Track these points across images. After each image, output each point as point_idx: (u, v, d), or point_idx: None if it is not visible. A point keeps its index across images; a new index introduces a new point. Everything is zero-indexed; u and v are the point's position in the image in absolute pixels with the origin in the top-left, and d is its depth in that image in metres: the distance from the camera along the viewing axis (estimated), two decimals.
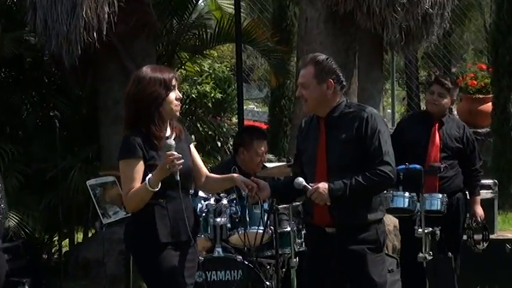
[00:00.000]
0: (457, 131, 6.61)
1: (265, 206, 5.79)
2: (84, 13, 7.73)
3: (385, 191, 5.28)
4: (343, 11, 7.99)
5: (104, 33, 7.83)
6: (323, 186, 4.57)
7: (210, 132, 10.27)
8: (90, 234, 9.21)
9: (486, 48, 17.60)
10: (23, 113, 9.06)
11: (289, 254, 6.15)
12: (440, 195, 6.36)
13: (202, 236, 5.99)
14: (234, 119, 11.51)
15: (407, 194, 6.20)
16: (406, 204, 6.21)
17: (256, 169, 6.27)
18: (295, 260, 6.11)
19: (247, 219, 6.02)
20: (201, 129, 10.17)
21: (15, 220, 7.89)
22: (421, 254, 6.13)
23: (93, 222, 7.97)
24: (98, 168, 8.44)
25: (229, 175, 4.81)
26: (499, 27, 11.51)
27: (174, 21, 9.94)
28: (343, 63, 7.53)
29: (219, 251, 6.03)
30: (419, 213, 6.14)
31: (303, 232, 6.21)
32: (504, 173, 11.23)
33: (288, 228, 6.14)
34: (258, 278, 5.95)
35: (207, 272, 5.88)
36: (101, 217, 6.61)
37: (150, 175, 4.32)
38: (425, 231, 6.12)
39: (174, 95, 4.47)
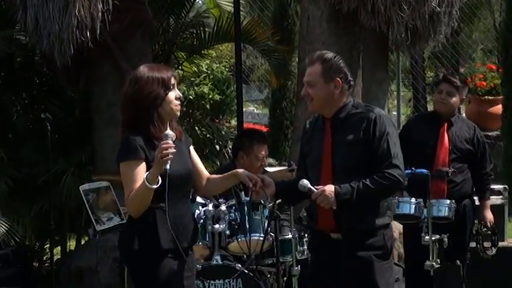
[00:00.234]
0: (467, 131, 6.51)
1: (266, 212, 5.79)
2: (76, 11, 7.70)
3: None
4: (347, 9, 7.93)
5: (98, 32, 7.78)
6: (329, 189, 4.50)
7: (208, 136, 10.30)
8: (83, 242, 9.15)
9: (496, 48, 17.72)
10: (13, 115, 9.02)
11: (290, 262, 6.10)
12: (448, 201, 6.28)
13: (200, 243, 5.90)
14: (233, 122, 11.62)
15: (413, 200, 6.15)
16: (413, 211, 6.16)
17: (257, 174, 6.15)
18: (296, 268, 6.06)
19: (247, 225, 5.94)
20: (199, 132, 10.18)
21: (5, 227, 7.84)
22: (428, 262, 6.07)
23: (86, 229, 8.06)
24: (91, 172, 8.43)
25: (232, 171, 4.71)
26: (509, 26, 11.38)
27: (171, 19, 9.93)
28: (347, 64, 7.39)
29: (217, 259, 5.95)
30: (426, 220, 6.08)
31: (304, 239, 6.18)
32: None
33: (290, 235, 6.08)
34: (258, 287, 5.89)
35: (205, 281, 5.84)
36: (94, 224, 6.56)
37: (147, 172, 4.22)
38: (433, 238, 6.06)
39: (173, 94, 4.38)
